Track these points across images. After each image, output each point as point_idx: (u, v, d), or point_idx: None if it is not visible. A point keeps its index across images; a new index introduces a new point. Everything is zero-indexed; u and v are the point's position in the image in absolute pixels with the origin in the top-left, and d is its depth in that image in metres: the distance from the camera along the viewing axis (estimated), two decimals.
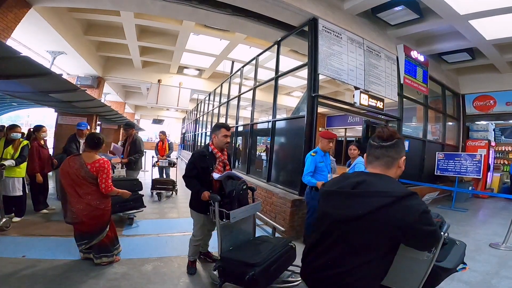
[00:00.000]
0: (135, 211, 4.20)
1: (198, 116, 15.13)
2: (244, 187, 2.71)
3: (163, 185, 6.19)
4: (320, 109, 4.81)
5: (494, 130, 9.70)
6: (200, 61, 11.10)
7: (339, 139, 15.27)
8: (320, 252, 1.26)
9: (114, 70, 11.71)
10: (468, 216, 6.12)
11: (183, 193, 6.61)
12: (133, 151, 5.15)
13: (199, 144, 13.87)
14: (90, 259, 2.82)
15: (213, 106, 11.34)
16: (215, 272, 2.43)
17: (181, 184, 7.51)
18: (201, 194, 2.59)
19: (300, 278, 2.56)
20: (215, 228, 2.60)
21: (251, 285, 2.09)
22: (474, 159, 6.71)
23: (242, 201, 2.65)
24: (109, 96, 15.94)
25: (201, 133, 13.35)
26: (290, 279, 2.66)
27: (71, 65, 10.14)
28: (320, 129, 14.46)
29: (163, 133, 7.50)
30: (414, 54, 6.24)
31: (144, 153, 5.61)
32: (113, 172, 4.37)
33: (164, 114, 25.14)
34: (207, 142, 3.03)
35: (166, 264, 2.99)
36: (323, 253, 1.24)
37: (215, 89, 11.30)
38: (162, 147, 7.17)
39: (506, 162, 10.30)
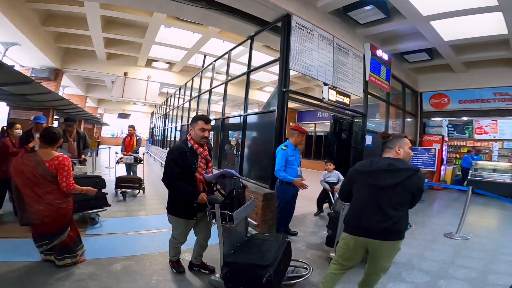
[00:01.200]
0: (97, 210, 3.92)
1: (167, 110, 14.67)
2: (241, 185, 2.59)
3: (128, 184, 5.75)
4: (292, 104, 4.90)
5: (447, 126, 10.61)
6: (171, 54, 10.73)
7: (309, 134, 15.76)
8: (372, 213, 1.94)
9: (74, 62, 10.91)
10: (425, 207, 6.57)
11: (152, 191, 6.39)
12: (83, 147, 4.86)
13: (168, 139, 13.49)
14: (51, 261, 2.64)
15: (183, 100, 11.06)
16: (219, 279, 2.25)
17: (150, 182, 7.30)
18: (196, 197, 2.34)
19: (307, 272, 2.72)
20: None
21: (268, 287, 2.05)
22: (429, 153, 7.29)
23: (241, 200, 2.52)
24: (68, 89, 14.83)
25: (171, 128, 12.99)
26: (295, 275, 2.64)
27: (26, 56, 9.25)
28: (291, 123, 14.80)
29: (132, 127, 6.98)
30: (379, 52, 6.56)
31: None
32: (73, 169, 4.11)
33: (131, 108, 24.02)
34: (183, 137, 2.76)
35: (136, 262, 2.90)
36: (377, 213, 1.92)
37: (186, 83, 11.02)
38: (130, 143, 6.72)
39: (458, 156, 11.34)
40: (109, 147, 10.24)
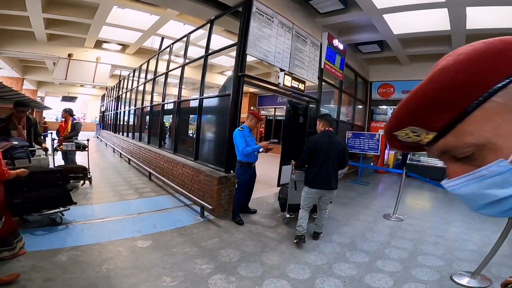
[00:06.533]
0: (62, 209, 3.43)
1: (120, 93, 13.74)
2: None
3: (69, 173, 4.80)
4: (252, 89, 4.90)
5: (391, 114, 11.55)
6: (125, 35, 9.80)
7: (269, 118, 16.02)
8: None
9: (8, 43, 9.52)
10: (370, 189, 7.08)
11: (101, 180, 5.98)
12: (35, 135, 4.40)
13: (121, 123, 12.72)
14: None
15: (138, 83, 10.43)
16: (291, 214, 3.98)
17: (99, 170, 6.80)
18: None
19: None
20: None
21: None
22: (374, 138, 7.87)
23: None
24: (1, 71, 13.11)
25: (124, 111, 12.24)
26: None
27: None
28: (252, 108, 14.86)
29: (66, 111, 5.96)
30: (336, 42, 6.78)
31: None
32: (29, 161, 3.69)
33: (78, 91, 21.83)
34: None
35: (84, 253, 2.76)
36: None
37: (141, 65, 10.36)
38: (64, 127, 5.84)
39: None
40: (51, 132, 9.28)
